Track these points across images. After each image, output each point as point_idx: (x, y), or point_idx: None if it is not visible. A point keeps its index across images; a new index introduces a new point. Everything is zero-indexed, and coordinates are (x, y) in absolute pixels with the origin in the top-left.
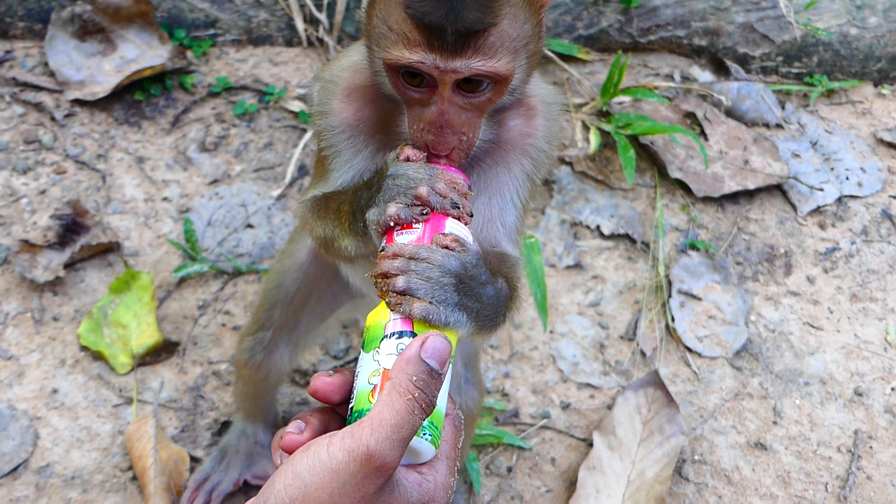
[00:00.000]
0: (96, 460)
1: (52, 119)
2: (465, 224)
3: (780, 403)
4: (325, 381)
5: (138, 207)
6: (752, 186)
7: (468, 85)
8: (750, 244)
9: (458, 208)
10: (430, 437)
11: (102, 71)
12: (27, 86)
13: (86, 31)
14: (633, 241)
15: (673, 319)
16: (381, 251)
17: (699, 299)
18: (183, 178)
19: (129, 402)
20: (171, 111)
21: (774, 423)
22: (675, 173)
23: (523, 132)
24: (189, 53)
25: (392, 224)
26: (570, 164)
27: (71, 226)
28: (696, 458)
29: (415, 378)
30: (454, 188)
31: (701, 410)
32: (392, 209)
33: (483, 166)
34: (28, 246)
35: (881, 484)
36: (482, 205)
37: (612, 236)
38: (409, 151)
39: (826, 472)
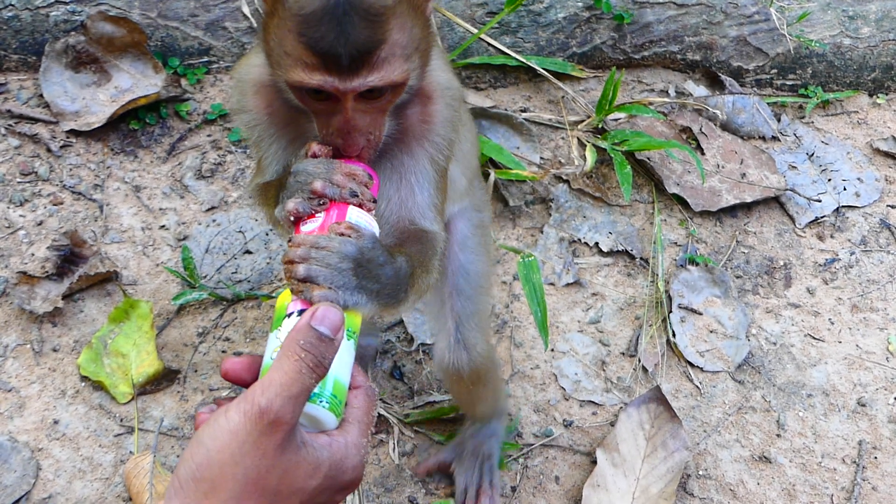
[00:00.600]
0: (98, 490)
1: (48, 150)
2: (368, 210)
3: (783, 416)
4: (234, 362)
5: (136, 236)
6: (749, 199)
7: (369, 94)
8: (749, 257)
9: (358, 196)
10: (327, 405)
11: (97, 101)
12: (22, 118)
13: (80, 61)
14: (632, 257)
15: (674, 335)
16: (288, 241)
17: (699, 314)
18: (180, 205)
19: (131, 431)
20: (167, 139)
21: (778, 435)
22: (672, 188)
23: (422, 120)
24: (184, 81)
25: (292, 218)
26: (566, 181)
27: (69, 256)
28: (700, 472)
29: (302, 342)
30: (353, 178)
31: (704, 425)
32: (290, 205)
33: (390, 155)
34: (26, 277)
35: (886, 495)
36: (392, 189)
37: (610, 253)
38: (314, 148)
39: (831, 484)
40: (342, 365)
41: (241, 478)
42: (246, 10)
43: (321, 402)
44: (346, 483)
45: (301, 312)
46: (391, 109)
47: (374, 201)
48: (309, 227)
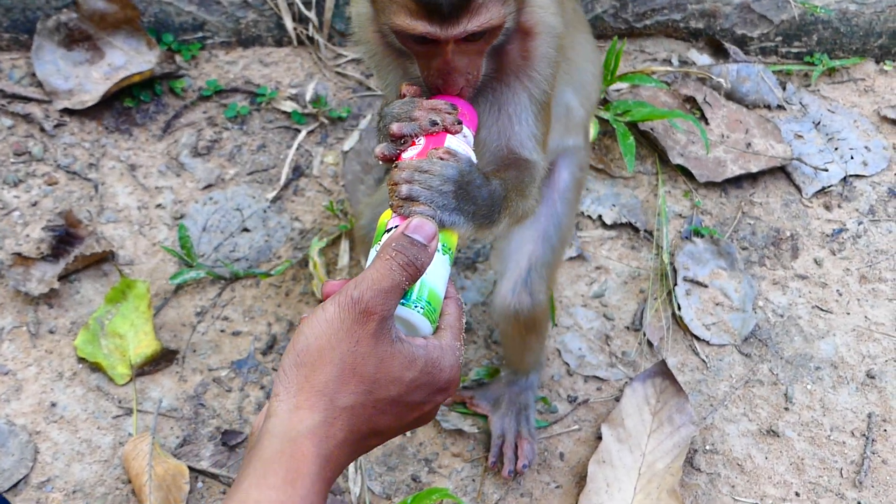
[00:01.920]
0: (98, 473)
1: (42, 130)
2: (455, 133)
3: (791, 389)
4: (333, 284)
5: (132, 215)
6: (755, 169)
7: (468, 38)
8: (755, 228)
9: (438, 124)
10: (421, 311)
11: (91, 79)
12: (15, 97)
13: (72, 39)
14: (637, 230)
15: (679, 308)
16: (394, 167)
17: (705, 286)
18: (176, 184)
19: (130, 412)
20: (162, 117)
21: (786, 409)
22: (676, 159)
23: (522, 56)
24: (178, 57)
25: (381, 162)
26: None
27: (64, 237)
28: (707, 447)
29: (395, 244)
30: (432, 110)
31: (711, 399)
32: (377, 150)
33: (490, 88)
34: (21, 259)
35: None
36: (492, 120)
37: (614, 225)
38: (404, 89)
39: (840, 458)
40: (437, 277)
41: (339, 362)
42: None
43: (416, 307)
44: (444, 383)
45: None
46: (489, 49)
47: (460, 122)
48: (409, 153)
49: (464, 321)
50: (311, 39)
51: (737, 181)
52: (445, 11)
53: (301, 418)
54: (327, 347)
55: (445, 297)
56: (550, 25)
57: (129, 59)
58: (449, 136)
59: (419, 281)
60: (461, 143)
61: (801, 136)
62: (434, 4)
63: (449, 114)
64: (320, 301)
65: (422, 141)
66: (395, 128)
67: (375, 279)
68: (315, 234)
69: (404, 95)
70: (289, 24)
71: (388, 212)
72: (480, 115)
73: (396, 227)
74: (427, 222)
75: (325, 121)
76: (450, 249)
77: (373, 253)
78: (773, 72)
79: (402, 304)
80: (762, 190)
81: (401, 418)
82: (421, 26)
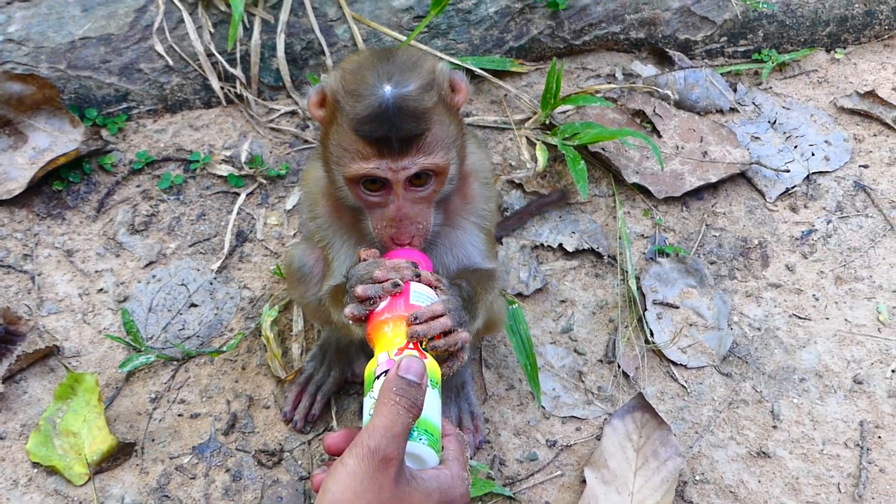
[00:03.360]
0: None
1: None
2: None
3: (776, 405)
4: (334, 437)
5: (74, 304)
6: (714, 179)
7: (417, 180)
8: (721, 240)
9: (399, 285)
10: (426, 442)
11: (16, 165)
12: None
13: None
14: (599, 256)
15: (652, 334)
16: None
17: (676, 307)
18: (116, 265)
19: None
20: (95, 196)
21: (774, 427)
22: (631, 178)
23: (464, 201)
24: (104, 132)
25: (351, 322)
26: (520, 185)
27: (4, 336)
28: (697, 477)
29: (395, 389)
30: (394, 269)
31: (695, 426)
32: (347, 311)
33: (442, 236)
34: None
35: (895, 475)
36: (451, 257)
37: (576, 253)
38: (363, 254)
39: (836, 472)
40: (432, 409)
41: None
42: (160, 47)
43: (421, 440)
44: None
45: (386, 372)
46: (436, 202)
47: (418, 274)
48: (378, 307)
49: (467, 454)
50: (239, 97)
51: (697, 193)
52: (395, 148)
53: None
54: (354, 500)
55: (445, 435)
56: (483, 167)
57: (53, 139)
58: (412, 283)
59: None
60: (423, 287)
61: (757, 138)
62: (385, 141)
63: (408, 270)
64: (277, 377)
65: (387, 297)
66: (359, 290)
67: (387, 426)
68: (266, 301)
69: (364, 260)
70: (215, 84)
71: (372, 362)
72: (438, 256)
73: (385, 372)
74: (415, 360)
75: (264, 181)
76: (437, 383)
77: (368, 400)
78: (722, 74)
79: (409, 440)
80: (724, 199)
81: None
82: (374, 165)
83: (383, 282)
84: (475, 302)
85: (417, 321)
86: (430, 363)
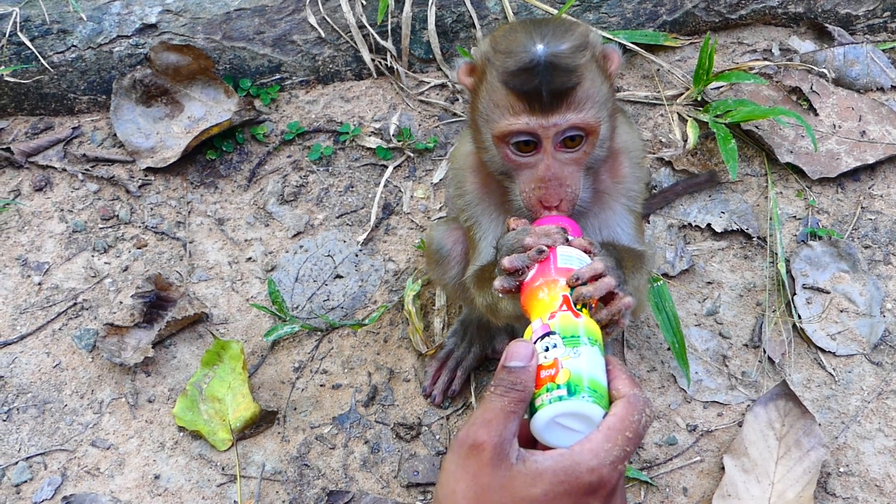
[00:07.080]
0: None
1: (127, 191)
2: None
3: None
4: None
5: (223, 272)
6: (872, 160)
7: (567, 141)
8: (877, 224)
9: (544, 251)
10: (591, 399)
11: (172, 134)
12: (98, 160)
13: (149, 95)
14: (749, 237)
15: (800, 319)
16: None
17: (827, 293)
18: (265, 234)
19: (233, 479)
20: (246, 166)
21: None
22: (785, 157)
23: (613, 178)
24: (257, 102)
25: (505, 288)
26: (669, 163)
27: (156, 301)
28: (841, 469)
29: (495, 380)
30: (545, 235)
31: (842, 416)
32: (497, 284)
33: (591, 214)
34: (114, 329)
35: None
36: (598, 240)
37: (724, 234)
38: (511, 223)
39: None
40: (594, 366)
41: (462, 499)
42: (312, 19)
43: (583, 397)
44: (586, 485)
45: (542, 337)
46: (585, 168)
47: (567, 239)
48: (528, 277)
49: (637, 419)
50: (390, 69)
51: (853, 174)
52: (546, 101)
53: None
54: (449, 493)
55: (618, 398)
56: (635, 147)
57: (208, 109)
58: (559, 247)
59: (578, 374)
60: (571, 250)
61: None
62: (535, 95)
63: (559, 234)
64: (418, 351)
65: (535, 266)
66: (506, 262)
67: (478, 414)
68: (409, 275)
69: (513, 229)
70: (366, 56)
71: (528, 329)
72: (586, 234)
73: (542, 336)
74: (521, 345)
75: (412, 154)
76: (596, 341)
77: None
78: (884, 50)
79: (570, 397)
80: (882, 181)
81: None
82: (524, 120)
83: (531, 249)
84: (625, 275)
85: (580, 282)
86: (586, 321)
